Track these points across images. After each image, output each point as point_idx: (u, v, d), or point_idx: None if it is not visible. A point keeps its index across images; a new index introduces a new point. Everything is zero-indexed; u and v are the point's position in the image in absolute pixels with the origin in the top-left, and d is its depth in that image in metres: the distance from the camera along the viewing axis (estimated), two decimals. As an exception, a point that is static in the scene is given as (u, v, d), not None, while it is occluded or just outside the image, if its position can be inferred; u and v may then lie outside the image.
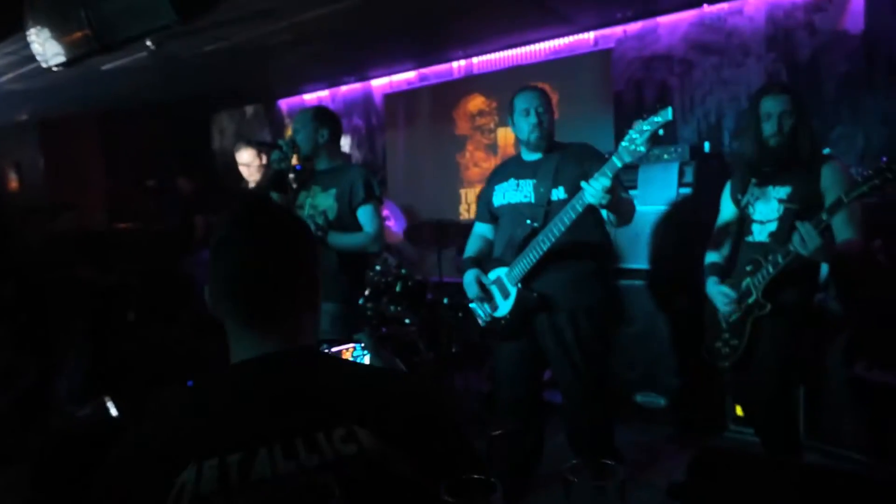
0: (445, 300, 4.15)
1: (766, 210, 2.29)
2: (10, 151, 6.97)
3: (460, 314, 4.13)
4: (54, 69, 2.97)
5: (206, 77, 5.39)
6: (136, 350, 4.86)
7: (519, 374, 2.60)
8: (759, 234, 2.30)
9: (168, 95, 5.98)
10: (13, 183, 6.96)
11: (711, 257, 2.48)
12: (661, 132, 2.07)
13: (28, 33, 2.92)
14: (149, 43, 3.93)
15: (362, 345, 1.71)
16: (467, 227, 4.79)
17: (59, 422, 4.21)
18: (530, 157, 2.58)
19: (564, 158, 2.49)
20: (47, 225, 4.78)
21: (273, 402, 0.91)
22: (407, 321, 4.09)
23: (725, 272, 2.41)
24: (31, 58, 3.73)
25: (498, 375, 2.74)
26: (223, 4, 3.09)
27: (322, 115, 2.94)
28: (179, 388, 1.06)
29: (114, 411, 3.97)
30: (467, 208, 5.22)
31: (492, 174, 2.78)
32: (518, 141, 2.63)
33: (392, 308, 4.06)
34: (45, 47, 2.89)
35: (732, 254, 2.45)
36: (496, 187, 2.64)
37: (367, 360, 1.73)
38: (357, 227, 2.85)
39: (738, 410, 3.27)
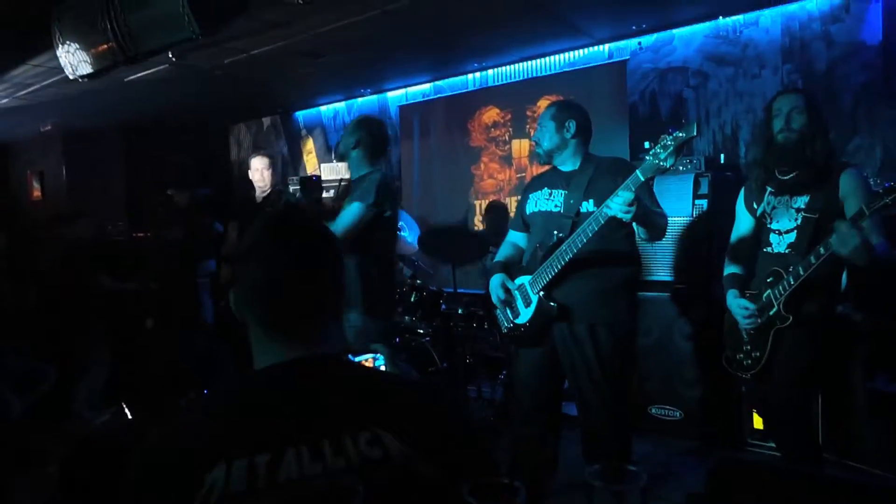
0: (460, 310, 4.16)
1: (785, 220, 2.27)
2: (34, 161, 7.10)
3: (474, 325, 4.14)
4: (80, 80, 3.04)
5: (224, 89, 5.47)
6: (154, 357, 4.91)
7: (537, 382, 2.59)
8: (778, 244, 2.28)
9: (187, 106, 6.07)
10: (36, 192, 7.08)
11: (730, 269, 2.47)
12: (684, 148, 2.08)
13: (56, 46, 2.99)
14: (170, 55, 4.01)
15: (382, 355, 1.72)
16: (481, 239, 4.82)
17: (76, 428, 4.26)
18: (565, 167, 2.60)
19: (598, 172, 2.50)
20: (67, 233, 4.85)
21: (300, 405, 0.93)
22: (421, 331, 4.10)
23: (745, 283, 2.39)
24: (57, 69, 3.82)
25: (516, 383, 2.74)
26: (242, 17, 3.15)
27: (361, 121, 3.08)
28: (200, 393, 1.09)
29: (130, 417, 4.00)
30: (481, 220, 5.23)
31: (528, 183, 2.82)
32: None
33: (406, 318, 4.08)
34: (73, 59, 2.96)
35: (751, 264, 2.44)
36: (530, 196, 2.68)
37: (383, 370, 1.74)
38: (375, 229, 2.89)
39: (757, 423, 3.24)
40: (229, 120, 7.39)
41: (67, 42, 2.92)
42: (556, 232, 2.46)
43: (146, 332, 5.20)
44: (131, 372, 4.76)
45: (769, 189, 2.33)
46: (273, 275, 1.01)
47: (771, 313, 2.22)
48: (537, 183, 2.70)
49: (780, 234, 2.28)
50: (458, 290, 4.33)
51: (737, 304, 2.33)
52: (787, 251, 2.25)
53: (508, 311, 2.63)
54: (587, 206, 2.45)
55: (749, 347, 2.32)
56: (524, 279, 2.56)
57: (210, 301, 6.13)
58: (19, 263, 4.62)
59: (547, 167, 2.69)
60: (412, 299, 4.09)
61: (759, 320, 2.25)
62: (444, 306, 4.23)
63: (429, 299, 4.15)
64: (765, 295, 2.24)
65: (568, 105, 2.63)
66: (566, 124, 2.54)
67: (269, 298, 1.01)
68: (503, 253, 2.80)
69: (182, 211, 6.18)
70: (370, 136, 3.00)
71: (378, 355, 1.67)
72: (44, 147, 6.87)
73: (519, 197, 2.87)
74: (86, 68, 2.94)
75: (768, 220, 2.32)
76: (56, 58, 3.29)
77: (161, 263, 5.86)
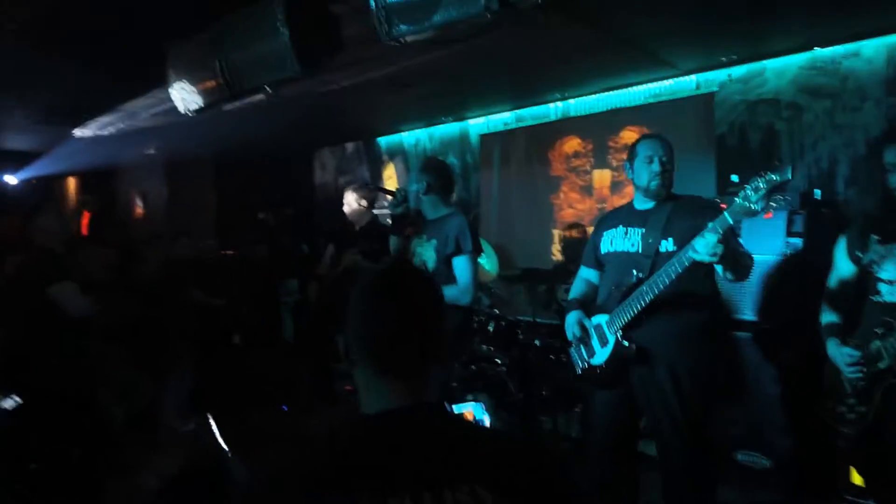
0: (537, 341, 4.13)
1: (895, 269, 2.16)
2: (138, 182, 7.65)
3: (552, 356, 4.10)
4: (189, 114, 3.27)
5: (312, 116, 5.72)
6: (239, 372, 5.14)
7: (613, 423, 2.55)
8: (889, 294, 2.17)
9: (276, 132, 6.38)
10: (139, 209, 7.61)
11: (829, 317, 2.36)
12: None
13: (170, 84, 3.25)
14: (267, 87, 4.24)
15: (483, 406, 1.74)
16: (560, 268, 4.79)
17: (164, 436, 4.50)
18: (643, 205, 2.56)
19: (677, 210, 2.46)
20: (169, 250, 5.16)
21: (403, 455, 0.97)
22: (497, 361, 4.10)
23: (846, 332, 2.28)
24: (164, 99, 4.12)
25: (592, 423, 2.70)
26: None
27: (425, 166, 3.07)
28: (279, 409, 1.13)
29: (215, 429, 4.20)
30: (560, 249, 5.20)
31: (601, 220, 2.78)
32: (634, 187, 2.62)
33: (484, 347, 4.09)
34: (185, 96, 3.20)
35: (851, 313, 2.32)
36: (604, 233, 2.65)
37: (486, 421, 1.75)
38: (450, 277, 2.86)
39: (856, 478, 3.04)
40: (314, 145, 7.70)
41: (181, 80, 3.16)
42: (634, 271, 2.41)
43: (233, 347, 5.46)
44: (217, 385, 4.99)
45: (875, 237, 2.22)
46: (383, 326, 1.06)
47: (881, 366, 2.10)
48: (611, 220, 2.67)
49: (891, 283, 2.16)
50: (537, 320, 4.32)
51: (840, 352, 2.22)
52: None
53: (583, 351, 2.60)
54: (666, 245, 2.40)
55: (853, 401, 2.20)
56: (601, 318, 2.53)
57: (291, 319, 6.37)
58: (126, 278, 4.95)
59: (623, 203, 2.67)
60: (490, 328, 4.11)
61: (865, 371, 2.14)
62: (520, 336, 4.22)
63: (506, 329, 4.15)
64: (873, 346, 2.12)
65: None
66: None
67: (378, 348, 1.06)
68: (578, 289, 2.77)
69: (269, 231, 6.50)
70: (440, 179, 3.03)
71: (477, 405, 1.69)
72: (147, 169, 7.39)
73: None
74: (196, 103, 3.17)
75: (876, 270, 2.21)
76: (164, 90, 3.57)
77: (246, 281, 6.16)
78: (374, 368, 1.06)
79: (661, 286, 2.29)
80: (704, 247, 2.10)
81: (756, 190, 2.04)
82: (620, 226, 2.58)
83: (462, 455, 0.98)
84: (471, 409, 1.67)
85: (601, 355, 2.51)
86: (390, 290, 1.10)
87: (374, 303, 1.09)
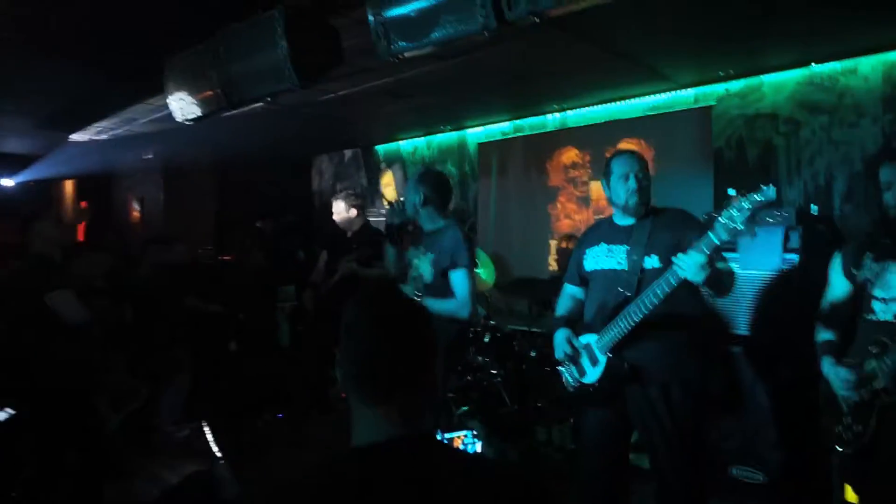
0: (533, 353, 4.13)
1: (890, 287, 2.16)
2: (135, 186, 7.64)
3: (547, 368, 4.10)
4: (187, 123, 3.28)
5: (311, 124, 5.72)
6: (235, 378, 5.13)
7: (605, 440, 2.55)
8: (884, 312, 2.17)
9: (275, 139, 6.39)
10: (135, 213, 7.60)
11: (824, 335, 2.36)
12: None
13: (167, 94, 3.25)
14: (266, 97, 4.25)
15: (474, 432, 1.74)
16: (556, 279, 4.78)
17: (160, 441, 4.49)
18: (624, 221, 2.55)
19: (659, 225, 2.45)
20: (163, 256, 5.14)
21: (395, 488, 0.96)
22: (493, 372, 4.10)
23: (841, 351, 2.28)
24: (163, 105, 4.12)
25: (584, 440, 2.70)
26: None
27: (422, 177, 3.04)
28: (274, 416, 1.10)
29: (209, 436, 4.19)
30: (556, 259, 5.21)
31: (583, 237, 2.77)
32: (612, 205, 2.60)
33: (479, 358, 4.09)
34: (182, 105, 3.20)
35: (847, 331, 2.32)
36: (587, 251, 2.63)
37: (478, 447, 1.75)
38: (447, 291, 2.85)
39: (850, 496, 3.04)
40: (312, 152, 7.69)
41: (177, 91, 3.16)
42: (621, 290, 2.41)
43: (229, 353, 5.45)
44: (213, 391, 4.97)
45: (869, 255, 2.23)
46: (372, 352, 1.06)
47: (876, 386, 2.10)
48: (593, 237, 2.65)
49: (884, 301, 2.17)
50: (532, 330, 4.32)
51: (835, 372, 2.22)
52: (893, 320, 2.13)
53: (574, 369, 2.59)
54: (650, 262, 2.39)
55: (849, 420, 2.19)
56: (590, 338, 2.51)
57: (287, 325, 6.36)
58: (119, 283, 4.94)
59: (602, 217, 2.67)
60: (486, 339, 4.11)
61: (861, 391, 2.14)
62: (516, 346, 4.22)
63: (502, 340, 4.15)
64: (868, 366, 2.12)
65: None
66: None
67: (367, 375, 1.06)
68: (564, 306, 2.75)
69: (266, 238, 6.49)
70: (437, 191, 3.01)
71: (469, 432, 1.69)
72: (145, 174, 7.38)
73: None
74: (193, 113, 3.17)
75: (870, 287, 2.21)
76: (162, 97, 3.57)
77: (243, 287, 6.15)
78: (363, 397, 1.06)
79: (650, 306, 2.28)
80: (692, 265, 2.09)
81: (741, 210, 2.03)
82: (603, 243, 2.56)
83: (452, 486, 0.98)
84: (462, 436, 1.66)
85: (593, 374, 2.51)
86: (376, 320, 1.09)
87: (361, 333, 1.08)
